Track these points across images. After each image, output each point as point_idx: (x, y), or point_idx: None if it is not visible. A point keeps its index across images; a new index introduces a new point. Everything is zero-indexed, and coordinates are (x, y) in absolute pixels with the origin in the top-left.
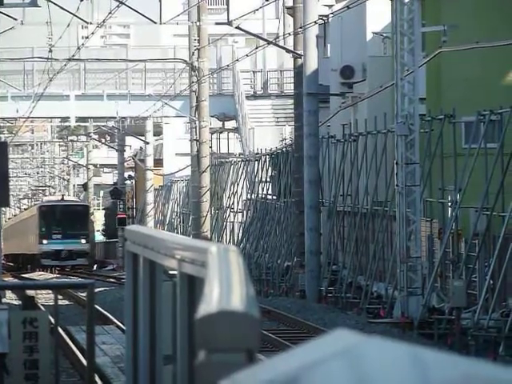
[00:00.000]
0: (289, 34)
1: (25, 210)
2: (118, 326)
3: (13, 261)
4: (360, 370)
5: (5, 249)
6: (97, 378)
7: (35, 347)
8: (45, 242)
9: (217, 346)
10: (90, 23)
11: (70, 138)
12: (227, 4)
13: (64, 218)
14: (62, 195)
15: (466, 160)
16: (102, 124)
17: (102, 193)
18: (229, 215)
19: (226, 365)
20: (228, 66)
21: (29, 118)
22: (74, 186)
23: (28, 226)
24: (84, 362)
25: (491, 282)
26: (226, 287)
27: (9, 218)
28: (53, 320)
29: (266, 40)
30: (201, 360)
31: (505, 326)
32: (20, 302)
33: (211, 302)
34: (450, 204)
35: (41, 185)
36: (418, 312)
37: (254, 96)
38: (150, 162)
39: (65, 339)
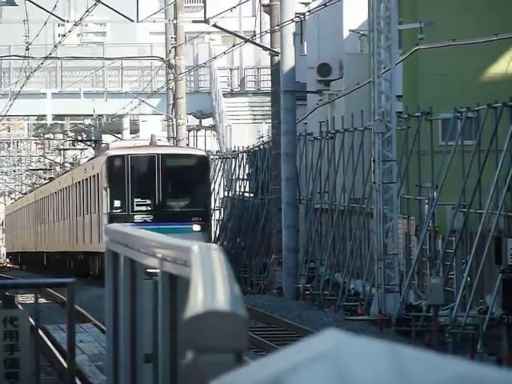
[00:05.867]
0: (266, 31)
1: (51, 178)
2: (95, 324)
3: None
4: (345, 374)
5: (16, 244)
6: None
7: (16, 346)
8: None
9: (204, 346)
10: (67, 21)
11: (46, 136)
12: (204, 2)
13: (160, 183)
14: (151, 138)
15: (443, 157)
16: (79, 122)
17: None
18: None
19: (213, 365)
20: (205, 63)
21: (5, 116)
22: None
23: (76, 198)
24: (62, 360)
25: (468, 279)
26: (212, 287)
27: (23, 194)
28: (32, 320)
29: (242, 38)
30: (188, 360)
31: (482, 323)
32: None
33: (197, 302)
34: (426, 201)
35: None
36: (395, 309)
37: (231, 93)
38: None
39: (43, 338)
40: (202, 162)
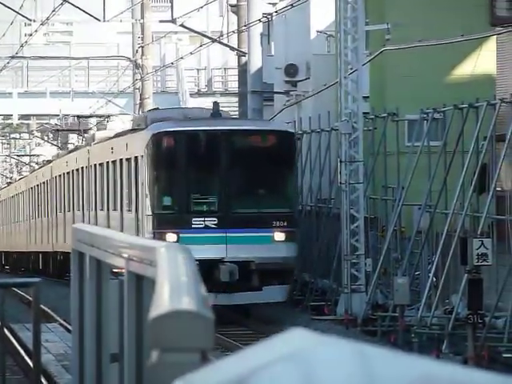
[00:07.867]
0: (233, 31)
1: (48, 160)
2: (61, 324)
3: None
4: (312, 374)
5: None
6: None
7: None
8: (171, 237)
9: (170, 346)
10: (34, 21)
11: (12, 135)
12: (171, 2)
13: (228, 172)
14: (215, 102)
15: (409, 158)
16: (45, 121)
17: None
18: None
19: (179, 365)
20: (172, 63)
21: None
22: None
23: (96, 186)
24: (28, 360)
25: (434, 279)
26: (177, 287)
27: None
28: None
29: (210, 38)
30: (153, 360)
31: (448, 323)
32: None
33: (163, 301)
34: (393, 201)
35: None
36: (361, 309)
37: (199, 94)
38: None
39: (9, 337)
40: (288, 142)
